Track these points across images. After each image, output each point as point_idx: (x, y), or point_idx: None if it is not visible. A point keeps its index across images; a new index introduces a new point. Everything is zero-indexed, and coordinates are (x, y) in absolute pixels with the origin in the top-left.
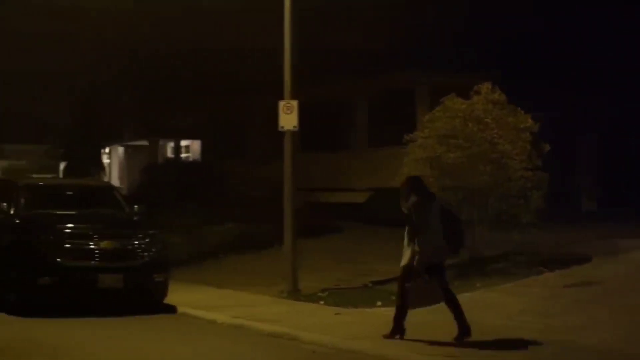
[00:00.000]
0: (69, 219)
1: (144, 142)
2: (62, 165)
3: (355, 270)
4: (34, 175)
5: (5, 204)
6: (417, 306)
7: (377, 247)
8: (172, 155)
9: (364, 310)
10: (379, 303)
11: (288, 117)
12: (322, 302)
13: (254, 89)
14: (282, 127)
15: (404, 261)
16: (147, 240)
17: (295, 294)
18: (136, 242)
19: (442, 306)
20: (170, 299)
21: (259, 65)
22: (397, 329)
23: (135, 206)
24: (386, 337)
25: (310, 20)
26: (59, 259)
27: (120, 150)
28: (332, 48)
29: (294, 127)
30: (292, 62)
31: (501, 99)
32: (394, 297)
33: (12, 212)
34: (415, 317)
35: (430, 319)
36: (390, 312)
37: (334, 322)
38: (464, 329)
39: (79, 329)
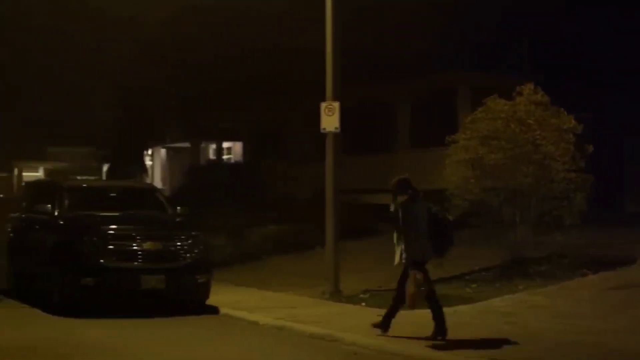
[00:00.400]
0: (112, 221)
1: (186, 144)
2: (105, 167)
3: (397, 272)
4: (78, 177)
5: (49, 205)
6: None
7: None
8: (214, 157)
9: (406, 312)
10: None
11: (330, 119)
12: (363, 304)
13: (296, 90)
14: (324, 129)
15: (396, 260)
16: (189, 241)
17: (336, 295)
18: (179, 244)
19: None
20: (213, 300)
21: (301, 67)
22: (385, 324)
23: (178, 208)
24: (375, 325)
25: (352, 22)
26: (102, 260)
27: (163, 152)
28: (373, 49)
29: (336, 128)
30: (334, 64)
31: (544, 99)
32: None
33: (56, 213)
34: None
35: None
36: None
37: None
38: (442, 330)
39: (123, 329)
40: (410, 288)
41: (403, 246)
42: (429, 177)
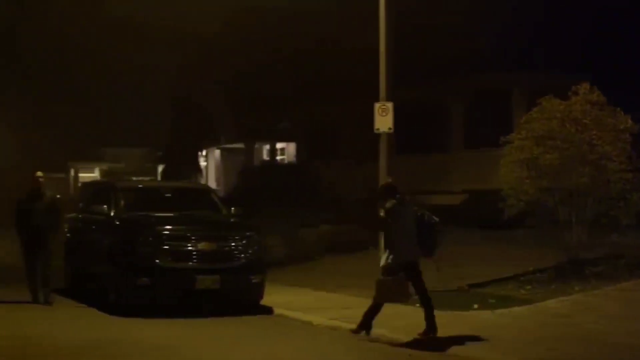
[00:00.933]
0: (168, 221)
1: (240, 145)
2: (160, 168)
3: (451, 272)
4: (133, 178)
5: (105, 205)
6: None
7: (472, 250)
8: (268, 158)
9: (460, 313)
10: (476, 306)
11: (383, 119)
12: (417, 305)
13: (350, 91)
14: (378, 129)
15: (382, 262)
16: (244, 242)
17: None
18: (233, 244)
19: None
20: (267, 300)
21: (354, 67)
22: (365, 325)
23: (232, 208)
24: (354, 331)
25: (405, 22)
26: (157, 260)
27: (217, 152)
28: (427, 49)
29: (389, 128)
30: (387, 64)
31: (600, 99)
32: (491, 300)
33: (112, 213)
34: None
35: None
36: (486, 314)
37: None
38: (432, 328)
39: (178, 329)
40: (378, 294)
41: (391, 248)
42: (483, 177)
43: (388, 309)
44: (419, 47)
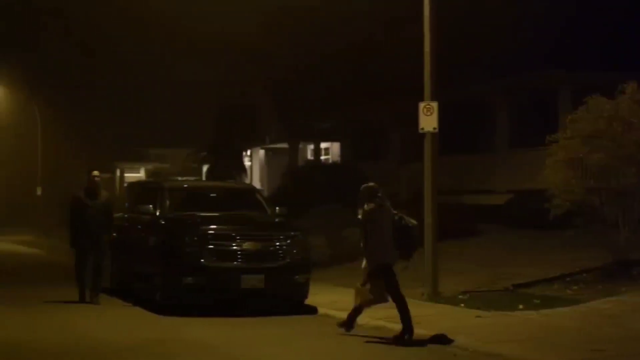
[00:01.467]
0: (213, 221)
1: (285, 145)
2: (204, 168)
3: (496, 273)
4: (178, 178)
5: (151, 205)
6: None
7: (518, 250)
8: (312, 158)
9: (506, 314)
10: (521, 306)
11: (428, 119)
12: (462, 305)
13: (394, 90)
14: (422, 129)
15: (363, 264)
16: (288, 241)
17: (435, 296)
18: (278, 244)
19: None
20: (311, 300)
21: (398, 67)
22: (349, 323)
23: (277, 208)
24: (340, 325)
25: (449, 21)
26: (202, 260)
27: (261, 152)
28: (472, 48)
29: (434, 128)
30: (431, 64)
31: None
32: (536, 301)
33: (157, 213)
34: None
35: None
36: (531, 315)
37: (474, 325)
38: (407, 330)
39: (223, 328)
40: (357, 299)
41: (368, 250)
42: (528, 177)
43: (431, 309)
44: (464, 47)
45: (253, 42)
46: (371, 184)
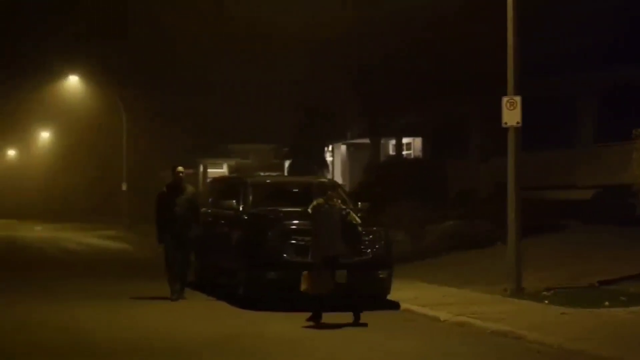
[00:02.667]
0: (295, 216)
1: (366, 140)
2: (286, 164)
3: (580, 269)
4: (261, 174)
5: (234, 200)
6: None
7: (602, 246)
8: (394, 153)
9: (591, 311)
10: (607, 303)
11: (511, 113)
12: (546, 302)
13: (476, 85)
14: (505, 123)
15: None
16: (370, 237)
17: (518, 292)
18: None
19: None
20: (394, 295)
21: (482, 62)
22: (315, 316)
23: (359, 203)
24: (308, 320)
25: (532, 14)
26: (285, 255)
27: (343, 148)
28: (556, 41)
29: (517, 123)
30: (515, 58)
31: None
32: (622, 298)
33: (240, 208)
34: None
35: None
36: (617, 312)
37: (559, 322)
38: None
39: (305, 323)
40: (302, 285)
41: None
42: (613, 172)
43: (514, 305)
44: (547, 40)
45: (335, 37)
46: (324, 180)
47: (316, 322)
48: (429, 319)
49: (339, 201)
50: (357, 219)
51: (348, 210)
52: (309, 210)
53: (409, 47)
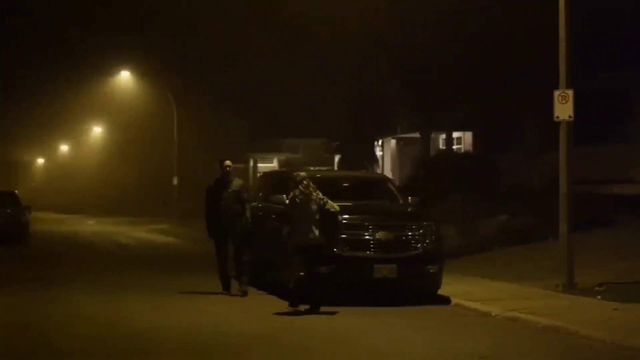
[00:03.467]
0: (345, 210)
1: (416, 135)
2: (336, 158)
3: (634, 264)
4: (311, 168)
5: (284, 195)
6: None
7: None
8: (444, 147)
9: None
10: None
11: (563, 107)
12: (599, 297)
13: (527, 78)
14: (557, 117)
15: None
16: (421, 231)
17: (570, 287)
18: (410, 233)
19: None
20: (444, 290)
21: (533, 55)
22: (295, 302)
23: (410, 198)
24: (290, 305)
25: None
26: (335, 249)
27: (393, 142)
28: (609, 35)
29: (570, 117)
30: (567, 51)
31: None
32: None
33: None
34: None
35: None
36: None
37: (612, 318)
38: (295, 302)
39: (356, 317)
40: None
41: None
42: None
43: (567, 301)
44: (600, 33)
45: (385, 30)
46: (302, 173)
47: (294, 308)
48: (480, 314)
49: (317, 191)
50: (336, 207)
51: (326, 199)
52: (286, 201)
53: (460, 41)
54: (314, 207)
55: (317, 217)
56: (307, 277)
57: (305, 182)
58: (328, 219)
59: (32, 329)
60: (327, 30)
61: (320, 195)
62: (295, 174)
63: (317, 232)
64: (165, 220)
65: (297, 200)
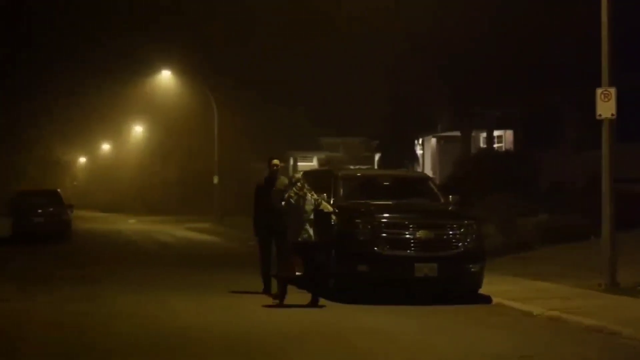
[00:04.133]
0: (386, 209)
1: (456, 133)
2: (376, 157)
3: None
4: (351, 167)
5: (325, 193)
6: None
7: None
8: (485, 146)
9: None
10: None
11: (606, 105)
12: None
13: (569, 76)
14: (600, 115)
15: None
16: (462, 230)
17: (613, 287)
18: (451, 232)
19: None
20: (485, 289)
21: (575, 53)
22: (281, 295)
23: (450, 196)
24: (274, 298)
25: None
26: (376, 248)
27: (433, 141)
28: None
29: (612, 115)
30: (609, 49)
31: None
32: None
33: (332, 201)
34: None
35: None
36: None
37: None
38: (282, 298)
39: (396, 316)
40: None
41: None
42: None
43: (608, 300)
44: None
45: (425, 27)
46: (297, 175)
47: (280, 302)
48: (522, 314)
49: (312, 192)
50: (329, 208)
51: (320, 200)
52: (282, 202)
53: (500, 37)
54: (308, 207)
55: (312, 217)
56: (346, 275)
57: (299, 183)
58: (322, 218)
59: (73, 327)
60: (367, 28)
61: (315, 196)
62: (291, 175)
63: (311, 232)
64: (206, 219)
65: (292, 200)
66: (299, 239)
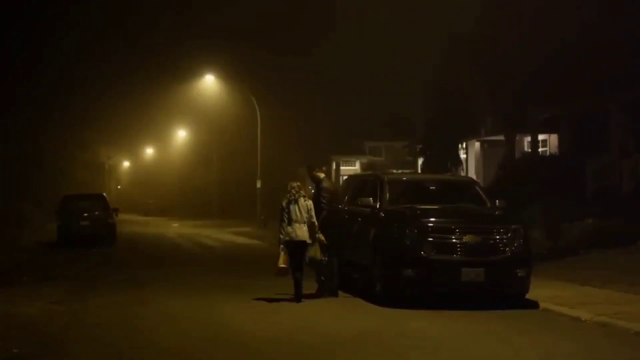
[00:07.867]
0: (432, 213)
1: (500, 137)
2: (419, 161)
3: None
4: (393, 171)
5: (370, 198)
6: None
7: None
8: (529, 150)
9: None
10: None
11: None
12: None
13: (615, 80)
14: None
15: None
16: (509, 234)
17: None
18: (498, 237)
19: None
20: (532, 294)
21: (620, 55)
22: (298, 296)
23: (497, 201)
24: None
25: None
26: (422, 252)
27: (477, 145)
28: None
29: None
30: None
31: None
32: None
33: (377, 205)
34: None
35: None
36: None
37: None
38: (298, 297)
39: (443, 321)
40: (279, 263)
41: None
42: None
43: None
44: None
45: (469, 31)
46: (295, 183)
47: (297, 300)
48: (570, 319)
49: (306, 198)
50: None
51: (311, 206)
52: (282, 204)
53: (546, 41)
54: (301, 210)
55: (305, 219)
56: (392, 279)
57: (294, 190)
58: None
59: (125, 328)
60: (411, 32)
61: (310, 202)
62: (289, 182)
63: (302, 232)
64: (249, 223)
65: (283, 203)
66: (294, 239)
